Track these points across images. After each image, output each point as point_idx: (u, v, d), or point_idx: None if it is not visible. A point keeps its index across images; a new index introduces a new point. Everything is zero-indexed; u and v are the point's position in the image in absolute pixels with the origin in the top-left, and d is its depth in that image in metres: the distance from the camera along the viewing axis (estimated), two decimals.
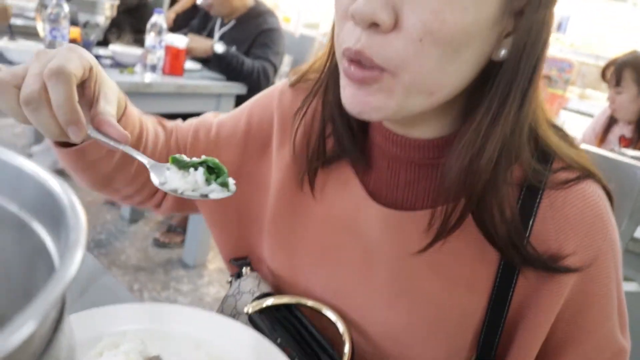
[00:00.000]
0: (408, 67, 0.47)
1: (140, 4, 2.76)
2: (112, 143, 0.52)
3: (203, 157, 0.54)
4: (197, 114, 0.79)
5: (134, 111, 0.65)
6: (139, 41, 2.21)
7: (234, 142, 0.72)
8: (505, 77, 0.50)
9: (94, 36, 2.09)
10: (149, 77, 1.97)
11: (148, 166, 0.54)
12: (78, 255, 0.17)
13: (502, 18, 0.47)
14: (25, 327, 0.16)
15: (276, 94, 0.72)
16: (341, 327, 0.61)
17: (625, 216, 0.88)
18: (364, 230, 0.62)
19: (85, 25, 1.98)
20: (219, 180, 0.53)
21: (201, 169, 0.53)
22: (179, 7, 3.30)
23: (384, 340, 0.61)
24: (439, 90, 0.50)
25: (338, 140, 0.64)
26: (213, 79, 2.29)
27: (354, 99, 0.50)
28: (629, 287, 1.29)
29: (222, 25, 2.57)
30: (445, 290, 0.58)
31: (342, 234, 0.64)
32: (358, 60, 0.48)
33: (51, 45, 1.67)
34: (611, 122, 2.31)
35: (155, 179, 0.53)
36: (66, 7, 1.69)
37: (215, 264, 2.53)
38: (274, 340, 0.61)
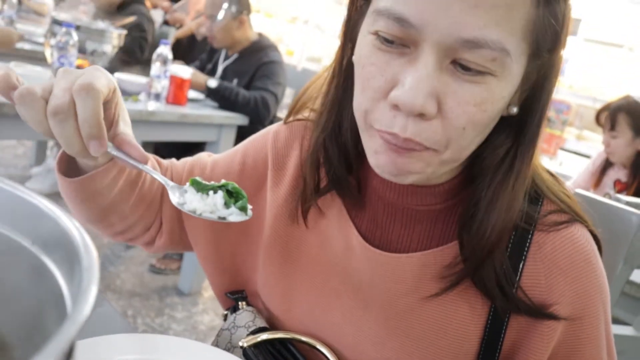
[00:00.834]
0: (450, 146, 0.49)
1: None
2: (131, 162, 0.54)
3: (223, 181, 0.56)
4: (199, 144, 0.80)
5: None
6: (145, 70, 2.25)
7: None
8: (515, 130, 0.53)
9: (101, 64, 2.13)
10: (152, 106, 1.99)
11: (168, 187, 0.56)
12: (91, 297, 0.18)
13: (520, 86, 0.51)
14: None
15: (271, 134, 0.72)
16: None
17: (620, 260, 0.89)
18: (355, 270, 0.63)
19: (92, 53, 2.02)
20: (239, 204, 0.55)
21: (221, 192, 0.55)
22: (180, 32, 3.35)
23: None
24: (465, 157, 0.53)
25: (333, 181, 0.64)
26: (215, 108, 2.31)
27: (393, 166, 0.51)
28: (625, 331, 1.28)
29: (226, 58, 2.62)
30: (436, 334, 0.59)
31: (335, 271, 0.64)
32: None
33: None
34: (607, 165, 2.33)
35: (174, 198, 0.55)
36: (75, 36, 1.73)
37: (211, 292, 2.50)
38: None
